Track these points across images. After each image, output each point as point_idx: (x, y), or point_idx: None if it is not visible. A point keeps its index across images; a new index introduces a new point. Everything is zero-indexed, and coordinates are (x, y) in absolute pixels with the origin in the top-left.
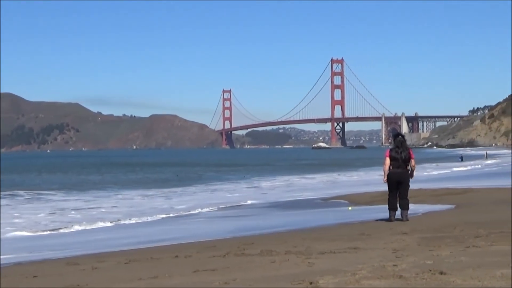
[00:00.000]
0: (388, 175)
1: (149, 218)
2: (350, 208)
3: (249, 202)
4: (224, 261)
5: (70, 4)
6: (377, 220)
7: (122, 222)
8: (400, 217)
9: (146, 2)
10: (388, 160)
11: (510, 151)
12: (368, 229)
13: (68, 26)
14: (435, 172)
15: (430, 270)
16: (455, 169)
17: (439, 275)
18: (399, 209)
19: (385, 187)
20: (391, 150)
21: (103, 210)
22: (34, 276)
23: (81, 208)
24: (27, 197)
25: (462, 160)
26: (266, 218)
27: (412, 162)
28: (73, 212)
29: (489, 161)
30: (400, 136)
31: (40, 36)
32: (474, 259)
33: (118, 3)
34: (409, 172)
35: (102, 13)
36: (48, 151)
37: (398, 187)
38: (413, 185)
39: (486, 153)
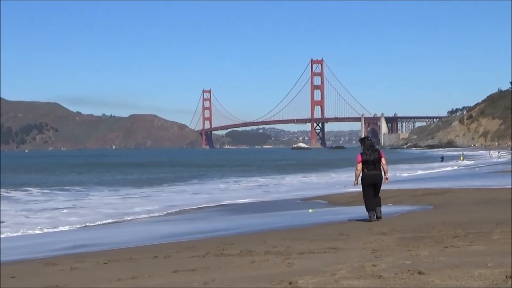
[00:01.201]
0: (363, 178)
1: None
2: (310, 210)
3: (225, 202)
4: (204, 261)
5: (49, 3)
6: (356, 220)
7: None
8: (375, 214)
9: (125, 2)
10: (360, 165)
11: (488, 151)
12: (348, 229)
13: (47, 26)
14: (414, 173)
15: (409, 270)
16: (434, 170)
17: (418, 275)
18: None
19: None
20: (362, 154)
21: (65, 211)
22: (12, 277)
23: (48, 208)
24: None
25: (442, 160)
26: (245, 219)
27: (383, 161)
28: (38, 213)
29: (465, 162)
30: (367, 139)
31: (18, 35)
32: (452, 259)
33: (97, 3)
34: (382, 173)
35: (80, 13)
36: (26, 150)
37: (374, 188)
38: (392, 186)
39: (463, 154)
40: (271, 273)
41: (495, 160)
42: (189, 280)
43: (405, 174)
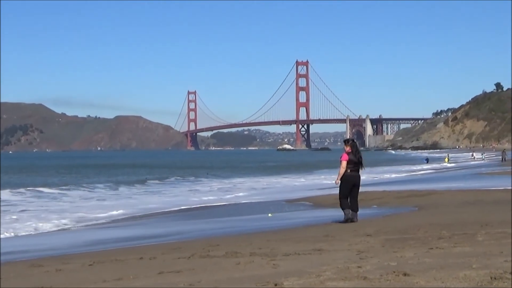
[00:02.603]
0: (345, 177)
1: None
2: (270, 214)
3: (204, 204)
4: (189, 262)
5: (31, 4)
6: (341, 221)
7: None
8: (351, 218)
9: (109, 3)
10: (345, 163)
11: (470, 153)
12: (333, 230)
13: (30, 26)
14: (399, 174)
15: (394, 272)
16: (419, 171)
17: (403, 276)
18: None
19: None
20: (348, 153)
21: (31, 215)
22: None
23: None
24: None
25: (427, 162)
26: (230, 221)
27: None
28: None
29: (449, 165)
30: (353, 141)
31: (2, 36)
32: (438, 260)
33: (81, 3)
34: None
35: (65, 14)
36: (10, 152)
37: (352, 189)
38: (377, 187)
39: (448, 156)
40: (256, 274)
41: (479, 162)
42: (174, 281)
43: (391, 176)
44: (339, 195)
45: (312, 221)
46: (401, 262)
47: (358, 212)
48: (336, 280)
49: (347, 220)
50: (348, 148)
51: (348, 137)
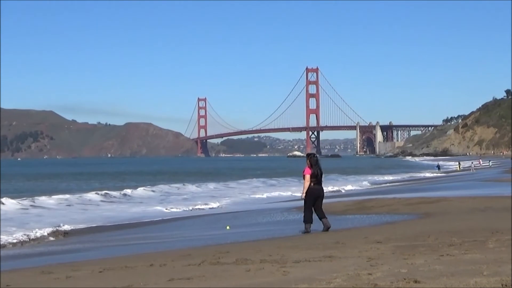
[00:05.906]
0: (310, 190)
1: None
2: (228, 227)
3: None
4: (200, 269)
5: (40, 10)
6: (351, 228)
7: None
8: (323, 226)
9: (118, 11)
10: (309, 177)
11: (472, 161)
12: (343, 237)
13: (41, 33)
14: (408, 181)
15: (405, 279)
16: (430, 179)
17: (414, 283)
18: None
19: (358, 197)
20: (310, 168)
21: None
22: (7, 285)
23: None
24: None
25: (439, 169)
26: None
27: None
28: None
29: (460, 172)
30: (314, 156)
31: (12, 42)
32: (448, 267)
33: (90, 10)
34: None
35: (74, 21)
36: (19, 159)
37: (315, 201)
38: (387, 195)
39: (459, 163)
40: (267, 281)
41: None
42: None
43: (402, 183)
44: (304, 208)
45: (322, 228)
46: (411, 269)
47: (327, 218)
48: (346, 287)
49: (306, 232)
50: (309, 163)
51: (358, 144)
